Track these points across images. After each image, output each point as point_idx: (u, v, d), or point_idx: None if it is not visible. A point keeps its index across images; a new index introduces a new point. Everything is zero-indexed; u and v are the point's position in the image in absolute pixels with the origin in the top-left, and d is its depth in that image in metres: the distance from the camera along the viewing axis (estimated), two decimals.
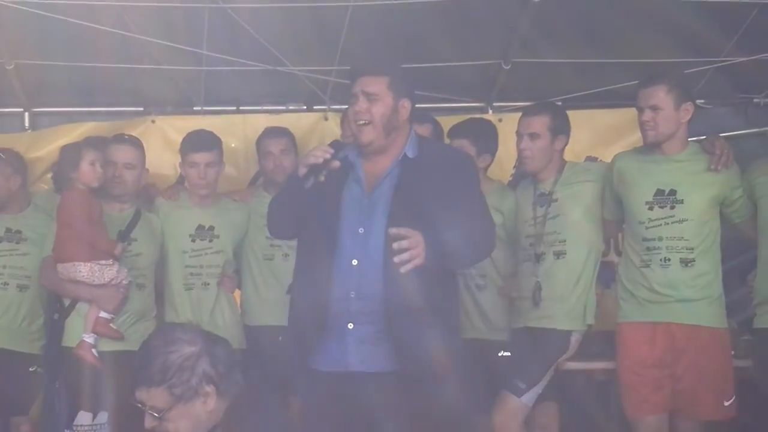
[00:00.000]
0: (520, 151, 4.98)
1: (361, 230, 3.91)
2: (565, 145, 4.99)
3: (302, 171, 3.93)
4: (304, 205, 3.96)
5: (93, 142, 5.04)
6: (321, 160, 3.87)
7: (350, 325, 3.88)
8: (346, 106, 5.93)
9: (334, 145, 4.20)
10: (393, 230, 3.77)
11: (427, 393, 3.86)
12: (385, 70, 4.02)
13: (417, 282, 3.80)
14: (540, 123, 4.92)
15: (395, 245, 3.74)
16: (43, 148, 5.99)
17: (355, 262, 3.89)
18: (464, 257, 4.07)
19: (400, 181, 3.94)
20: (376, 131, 3.94)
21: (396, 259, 3.73)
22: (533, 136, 4.91)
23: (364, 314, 3.87)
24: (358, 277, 3.88)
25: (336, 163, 3.89)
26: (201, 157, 5.17)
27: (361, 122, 3.94)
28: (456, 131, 5.25)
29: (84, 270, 4.83)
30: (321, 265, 3.91)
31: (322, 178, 3.89)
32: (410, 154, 4.00)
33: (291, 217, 4.07)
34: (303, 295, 4.00)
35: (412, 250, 3.73)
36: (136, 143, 5.21)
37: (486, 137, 5.22)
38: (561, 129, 4.95)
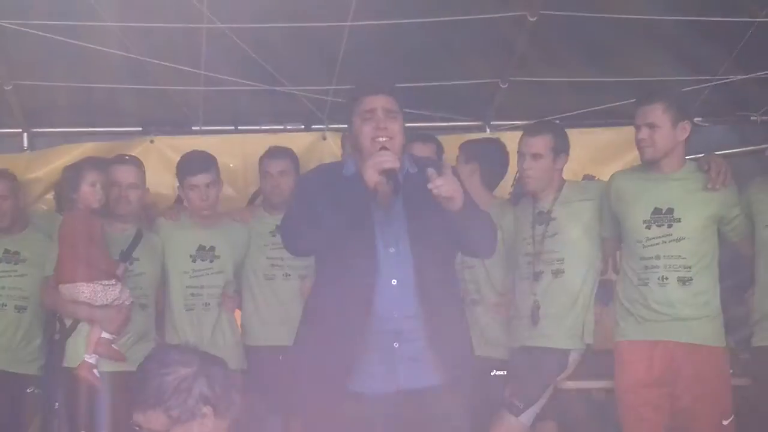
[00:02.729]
0: (522, 171, 4.99)
1: (392, 250, 3.94)
2: (565, 163, 5.01)
3: (374, 177, 3.82)
4: (354, 216, 3.89)
5: (94, 163, 5.04)
6: (397, 164, 3.85)
7: (396, 344, 3.91)
8: (345, 125, 6.02)
9: (333, 164, 4.19)
10: (431, 170, 3.81)
11: (466, 403, 4.02)
12: (394, 90, 4.10)
13: (444, 297, 3.97)
14: (542, 143, 4.94)
15: (432, 177, 3.78)
16: (42, 168, 6.00)
17: (394, 281, 3.91)
18: (484, 240, 4.12)
19: (407, 197, 3.96)
20: (396, 148, 3.96)
21: (433, 189, 3.78)
22: (536, 156, 4.93)
23: (407, 332, 3.90)
24: (399, 296, 3.91)
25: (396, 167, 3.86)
26: (200, 179, 5.18)
27: (383, 139, 3.95)
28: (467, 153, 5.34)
29: (86, 291, 4.83)
30: (362, 287, 3.89)
31: (400, 181, 3.88)
32: (412, 171, 4.05)
33: (331, 230, 3.93)
34: (342, 316, 3.91)
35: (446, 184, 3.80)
36: (137, 163, 5.25)
37: (474, 147, 5.33)
38: (562, 148, 4.97)
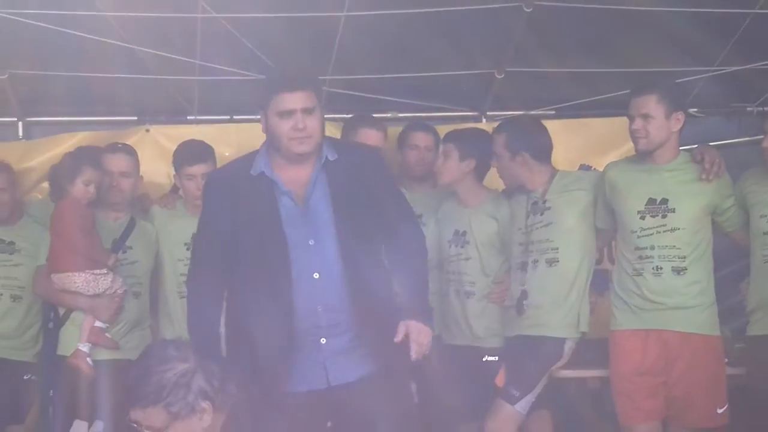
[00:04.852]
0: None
1: (311, 242, 3.83)
2: (529, 159, 5.01)
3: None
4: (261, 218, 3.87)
5: (93, 159, 5.00)
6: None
7: (323, 340, 3.83)
8: (340, 115, 6.02)
9: (243, 160, 4.06)
10: (396, 340, 3.83)
11: (401, 391, 3.97)
12: (312, 82, 3.95)
13: (375, 286, 3.86)
14: (499, 140, 5.06)
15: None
16: (37, 157, 5.97)
17: (316, 275, 3.82)
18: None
19: (332, 187, 3.88)
20: (315, 142, 3.87)
21: (412, 354, 3.86)
22: (493, 154, 5.07)
23: (333, 326, 3.82)
24: (323, 289, 3.81)
25: None
26: (198, 169, 5.16)
27: (303, 136, 3.84)
28: (445, 137, 5.35)
29: (79, 280, 4.84)
30: (279, 285, 3.79)
31: None
32: (331, 158, 3.93)
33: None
34: (264, 319, 3.82)
35: (422, 344, 3.88)
36: (130, 151, 5.24)
37: (471, 142, 5.25)
38: (518, 146, 4.99)
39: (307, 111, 3.84)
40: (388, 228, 3.96)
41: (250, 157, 4.02)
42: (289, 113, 3.83)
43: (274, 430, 3.82)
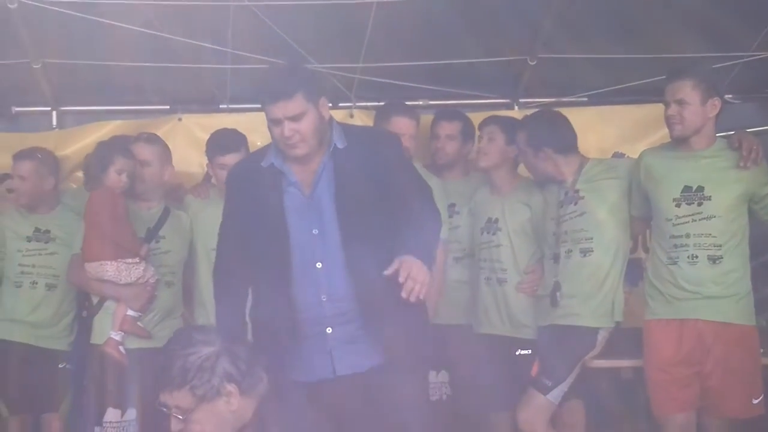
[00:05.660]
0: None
1: (315, 231, 3.82)
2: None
3: None
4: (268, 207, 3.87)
5: (125, 149, 4.99)
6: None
7: (329, 330, 3.83)
8: (372, 103, 6.02)
9: (259, 152, 4.06)
10: (386, 273, 3.64)
11: (413, 381, 3.91)
12: (296, 87, 3.80)
13: (381, 275, 3.75)
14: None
15: (399, 278, 3.62)
16: (71, 146, 6.02)
17: (319, 265, 3.81)
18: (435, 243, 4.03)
19: (337, 175, 3.85)
20: (310, 144, 3.83)
21: (403, 294, 3.61)
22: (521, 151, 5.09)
23: (339, 315, 3.81)
24: (326, 279, 3.81)
25: None
26: (230, 159, 5.13)
27: (292, 143, 3.81)
28: (487, 120, 5.36)
29: (111, 269, 4.86)
30: (280, 275, 3.81)
31: None
32: (340, 145, 3.89)
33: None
34: (270, 309, 3.84)
35: (416, 281, 3.62)
36: (152, 140, 5.21)
37: (515, 127, 5.24)
38: (540, 142, 4.98)
39: (293, 118, 3.79)
40: (401, 213, 3.88)
41: (265, 149, 4.03)
42: (277, 122, 3.82)
43: (283, 419, 3.75)
